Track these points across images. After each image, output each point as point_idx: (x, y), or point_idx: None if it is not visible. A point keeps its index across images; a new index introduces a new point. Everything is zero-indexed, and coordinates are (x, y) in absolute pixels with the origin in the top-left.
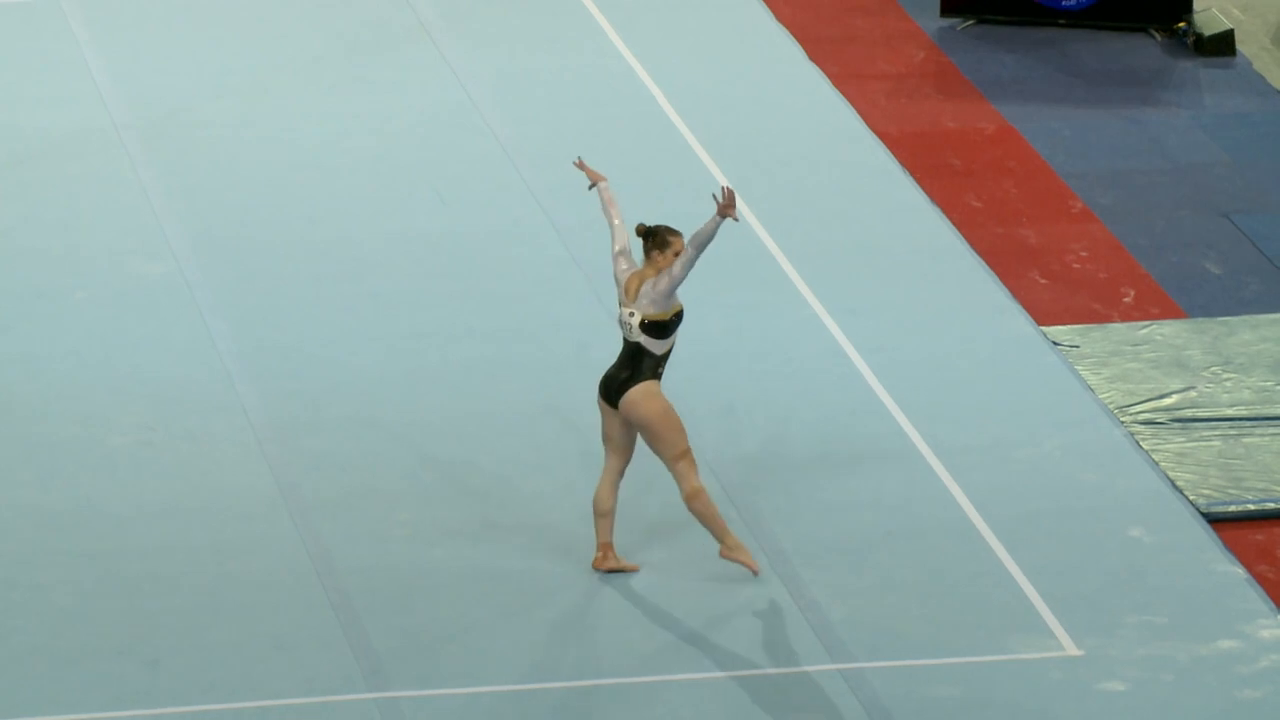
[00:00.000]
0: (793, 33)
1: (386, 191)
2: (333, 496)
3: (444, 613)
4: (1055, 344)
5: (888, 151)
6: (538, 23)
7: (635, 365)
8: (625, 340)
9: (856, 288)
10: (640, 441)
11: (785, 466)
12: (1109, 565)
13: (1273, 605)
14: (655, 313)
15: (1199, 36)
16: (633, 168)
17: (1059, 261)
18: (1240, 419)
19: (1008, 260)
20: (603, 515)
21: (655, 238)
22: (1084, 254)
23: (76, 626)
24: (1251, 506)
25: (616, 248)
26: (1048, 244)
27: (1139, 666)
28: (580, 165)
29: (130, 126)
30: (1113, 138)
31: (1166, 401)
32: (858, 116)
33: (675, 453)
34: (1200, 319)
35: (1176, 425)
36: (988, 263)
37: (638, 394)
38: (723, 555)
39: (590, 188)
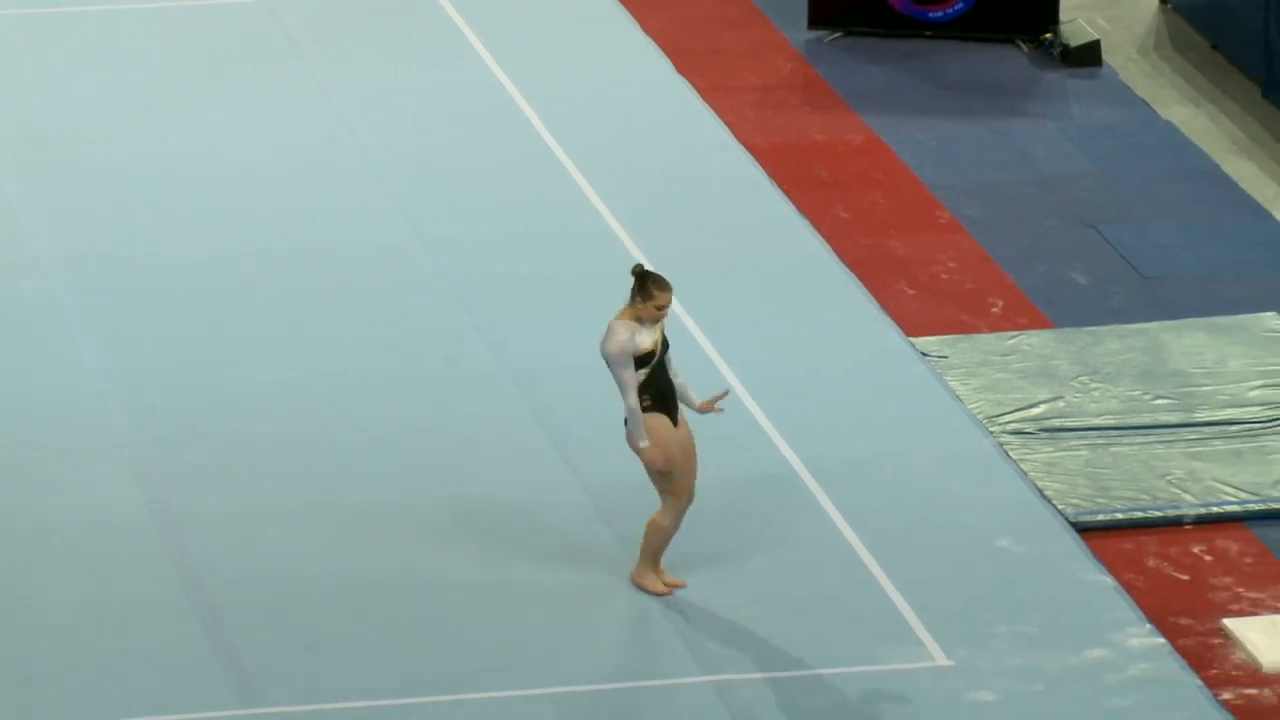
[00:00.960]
0: (660, 45)
1: (257, 207)
2: (204, 513)
3: (317, 628)
4: (924, 355)
5: (756, 163)
6: (407, 39)
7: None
8: None
9: (725, 300)
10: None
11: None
12: (978, 576)
13: (1141, 614)
14: (604, 352)
15: (1065, 47)
16: (502, 183)
17: (927, 272)
18: (1107, 428)
19: (876, 272)
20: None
21: (640, 286)
22: (952, 265)
23: None
24: (1119, 515)
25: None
26: (915, 255)
27: (1009, 676)
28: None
29: None
30: (980, 149)
31: (1034, 411)
32: (725, 128)
33: (664, 488)
34: (1067, 329)
35: (1044, 435)
36: (856, 274)
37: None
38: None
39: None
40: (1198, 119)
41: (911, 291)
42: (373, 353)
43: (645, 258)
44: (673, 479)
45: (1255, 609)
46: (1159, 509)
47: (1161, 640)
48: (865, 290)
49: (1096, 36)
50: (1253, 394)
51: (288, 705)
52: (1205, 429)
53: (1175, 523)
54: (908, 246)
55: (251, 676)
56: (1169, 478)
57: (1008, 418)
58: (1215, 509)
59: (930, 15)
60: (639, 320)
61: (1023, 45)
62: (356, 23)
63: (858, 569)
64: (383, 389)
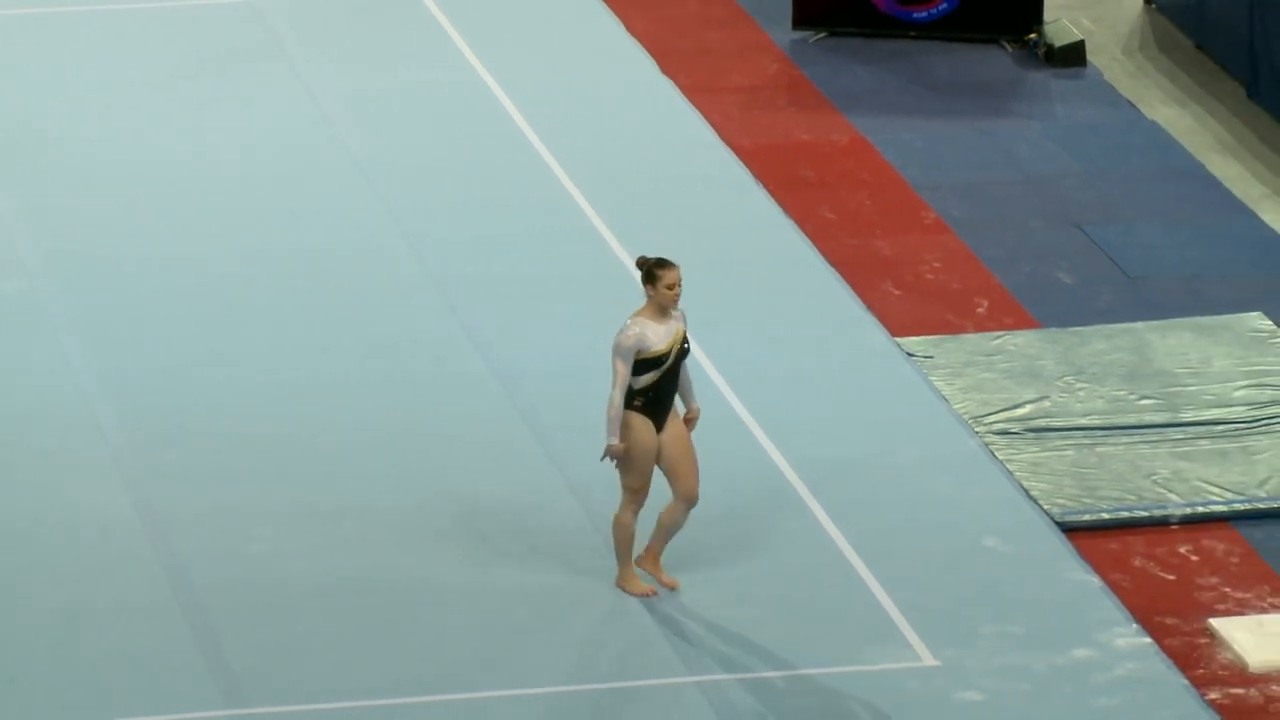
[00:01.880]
0: (646, 46)
1: (242, 208)
2: (189, 513)
3: (302, 628)
4: (909, 355)
5: (741, 164)
6: (392, 39)
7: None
8: None
9: (711, 300)
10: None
11: None
12: (965, 576)
13: (1128, 614)
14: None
15: (1050, 47)
16: (487, 182)
17: (912, 273)
18: (1093, 428)
19: (862, 272)
20: (658, 528)
21: (647, 274)
22: (937, 265)
23: None
24: (1105, 515)
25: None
26: (901, 255)
27: (995, 676)
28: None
29: None
30: (965, 149)
31: (1020, 411)
32: (711, 129)
33: (630, 485)
34: (1053, 329)
35: (1030, 435)
36: (842, 274)
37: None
38: (618, 584)
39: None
40: (1182, 119)
41: (897, 291)
42: (358, 353)
43: (629, 257)
44: (629, 475)
45: (1241, 609)
46: (1145, 509)
47: (1148, 640)
48: (851, 290)
49: (1081, 37)
50: (1238, 394)
51: (274, 705)
52: (1191, 429)
53: (1161, 523)
54: (893, 246)
55: (238, 677)
56: (1155, 477)
57: (993, 418)
58: (1201, 509)
59: (915, 15)
60: (662, 311)
61: (1007, 45)
62: (341, 24)
63: (844, 569)
64: (368, 389)
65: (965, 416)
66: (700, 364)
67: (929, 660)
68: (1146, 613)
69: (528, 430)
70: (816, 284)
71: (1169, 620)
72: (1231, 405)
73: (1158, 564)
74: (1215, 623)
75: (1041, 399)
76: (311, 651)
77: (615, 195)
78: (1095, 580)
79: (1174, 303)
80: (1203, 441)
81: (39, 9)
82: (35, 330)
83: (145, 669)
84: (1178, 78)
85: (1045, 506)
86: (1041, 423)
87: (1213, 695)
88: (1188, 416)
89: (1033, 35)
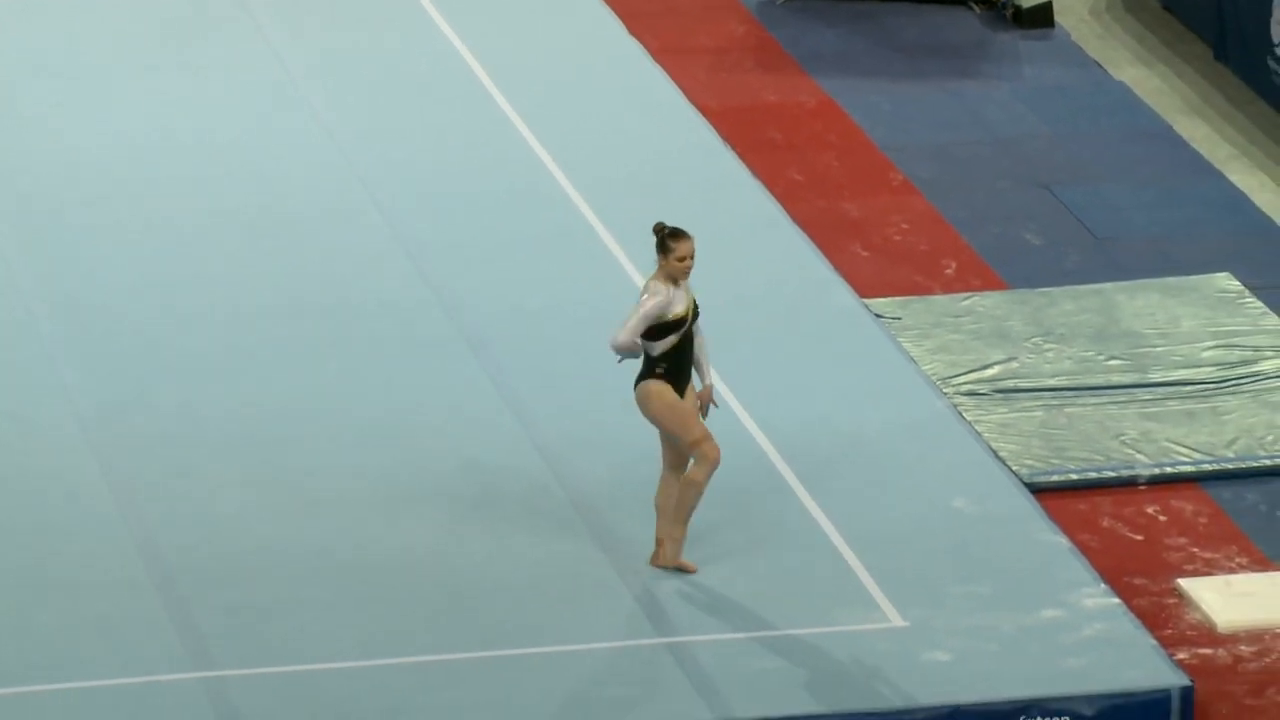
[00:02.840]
0: (612, 6)
1: (209, 173)
2: (156, 477)
3: (270, 592)
4: (877, 316)
5: (709, 125)
6: (358, 2)
7: (642, 365)
8: None
9: None
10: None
11: (609, 438)
12: (933, 537)
13: (1096, 574)
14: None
15: (1017, 9)
16: (454, 145)
17: (880, 234)
18: (1062, 389)
19: (829, 233)
20: (658, 512)
21: (660, 243)
22: (905, 226)
23: None
24: (1074, 476)
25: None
26: (869, 217)
27: (964, 637)
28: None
29: None
30: (932, 110)
31: (988, 373)
32: (678, 91)
33: (689, 442)
34: (1021, 290)
35: (999, 396)
36: (809, 236)
37: (639, 394)
38: (655, 561)
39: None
40: (1150, 80)
41: (865, 253)
42: (325, 318)
43: (598, 220)
44: (682, 435)
45: (1209, 569)
46: (1113, 469)
47: (1116, 600)
48: (819, 252)
49: None
50: (1206, 354)
51: (242, 668)
52: (1159, 389)
53: (1129, 483)
54: (861, 208)
55: (206, 640)
56: (1123, 438)
57: (962, 379)
58: (1169, 469)
59: None
60: (672, 280)
61: (975, 7)
62: None
63: (812, 531)
64: (335, 353)
65: (933, 378)
66: None
67: (897, 621)
68: (1114, 573)
69: (496, 392)
70: (784, 246)
71: (1137, 580)
72: (1199, 366)
73: (1126, 524)
74: (1183, 583)
75: (1009, 360)
76: (279, 614)
77: (583, 157)
78: (1063, 541)
79: (1142, 264)
80: (1171, 402)
81: None
82: (0, 295)
83: (113, 632)
84: (1145, 39)
85: (1013, 467)
86: (1009, 384)
87: (1181, 655)
88: (1156, 377)
89: None
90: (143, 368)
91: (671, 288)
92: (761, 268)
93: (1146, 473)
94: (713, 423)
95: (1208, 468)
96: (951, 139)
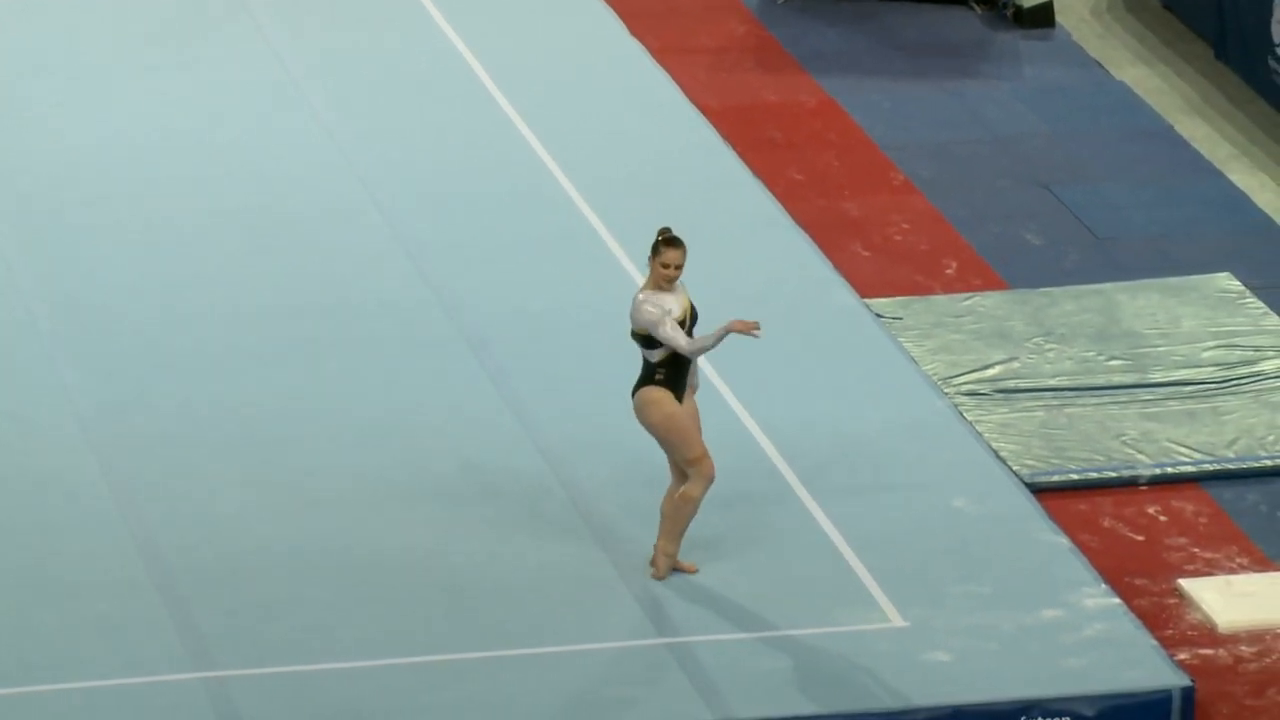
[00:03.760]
0: (613, 7)
1: (210, 172)
2: (157, 477)
3: (271, 592)
4: (878, 316)
5: (709, 125)
6: (359, 2)
7: (641, 371)
8: None
9: None
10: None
11: (610, 440)
12: (933, 536)
13: (1096, 574)
14: (635, 327)
15: (1018, 8)
16: (455, 145)
17: (881, 234)
18: (1062, 389)
19: (830, 233)
20: (661, 517)
21: (653, 246)
22: (905, 226)
23: None
24: (1074, 476)
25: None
26: (869, 216)
27: (964, 636)
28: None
29: None
30: (933, 110)
31: (989, 373)
32: (679, 90)
33: (687, 458)
34: (1022, 290)
35: (999, 396)
36: (810, 235)
37: (638, 402)
38: (653, 567)
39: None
40: (1150, 79)
41: (865, 253)
42: (325, 318)
43: (599, 220)
44: (677, 449)
45: (1210, 569)
46: (1114, 470)
47: (1116, 600)
48: (819, 251)
49: None
50: (1206, 354)
51: (242, 669)
52: (1159, 390)
53: (1130, 483)
54: (861, 208)
55: (206, 640)
56: (1123, 438)
57: (962, 379)
58: (1170, 469)
59: None
60: (659, 287)
61: (975, 6)
62: None
63: (813, 530)
64: (336, 352)
65: (934, 378)
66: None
67: (897, 621)
68: (1115, 573)
69: (496, 393)
70: (784, 245)
71: (1138, 581)
72: (1200, 366)
73: (1126, 524)
74: (1184, 583)
75: (1010, 360)
76: (280, 614)
77: (584, 157)
78: (1064, 541)
79: (1142, 263)
80: (1171, 402)
81: None
82: (0, 295)
83: (113, 632)
84: (1146, 38)
85: (1014, 467)
86: (1010, 384)
87: (1181, 655)
88: (1156, 377)
89: None
90: (143, 367)
91: (661, 293)
92: (762, 267)
93: (1147, 473)
94: (713, 423)
95: (1208, 468)
96: (952, 138)
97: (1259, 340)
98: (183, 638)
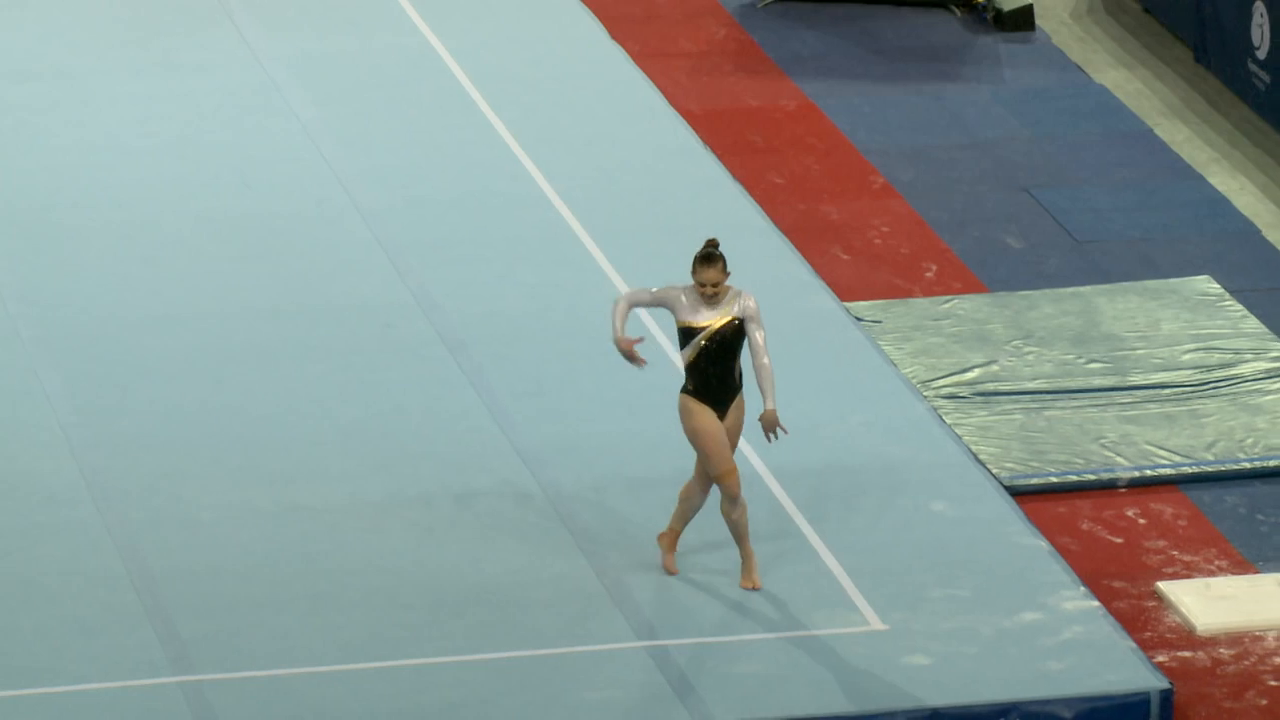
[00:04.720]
0: (594, 11)
1: (190, 174)
2: (139, 481)
3: (251, 596)
4: (858, 320)
5: (690, 129)
6: (338, 3)
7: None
8: None
9: (660, 266)
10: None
11: (590, 445)
12: (913, 539)
13: (1075, 577)
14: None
15: (998, 12)
16: (435, 147)
17: (861, 237)
18: (1042, 392)
19: (810, 237)
20: (679, 500)
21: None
22: (885, 230)
23: None
24: (1053, 479)
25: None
26: (849, 220)
27: (943, 640)
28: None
29: None
30: (913, 113)
31: (969, 376)
32: (659, 94)
33: (712, 470)
34: (1001, 293)
35: (979, 399)
36: (790, 239)
37: (678, 406)
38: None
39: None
40: (1130, 83)
41: (845, 256)
42: (307, 320)
43: (578, 222)
44: (706, 457)
45: (1189, 572)
46: (1093, 472)
47: (1095, 603)
48: (799, 255)
49: (1029, 1)
50: (1185, 357)
51: (223, 673)
52: (1139, 392)
53: (1109, 486)
54: (842, 211)
55: (187, 645)
56: (1102, 441)
57: (942, 382)
58: (1149, 472)
59: None
60: (698, 295)
61: (956, 10)
62: None
63: (792, 534)
64: (316, 354)
65: (913, 381)
66: (649, 328)
67: (877, 625)
68: (1094, 576)
69: (475, 395)
70: (765, 249)
71: (1116, 583)
72: (1179, 369)
73: (1105, 527)
74: (1163, 586)
75: (990, 363)
76: (261, 619)
77: (564, 160)
78: (1043, 544)
79: (1122, 267)
80: (1150, 405)
81: None
82: None
83: (94, 637)
84: (1126, 42)
85: (993, 470)
86: (989, 387)
87: (1160, 658)
88: (1136, 380)
89: (981, 0)
90: (124, 370)
91: (695, 299)
92: (742, 271)
93: (1126, 475)
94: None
95: (1187, 470)
96: (932, 142)
97: (1238, 343)
98: (162, 642)
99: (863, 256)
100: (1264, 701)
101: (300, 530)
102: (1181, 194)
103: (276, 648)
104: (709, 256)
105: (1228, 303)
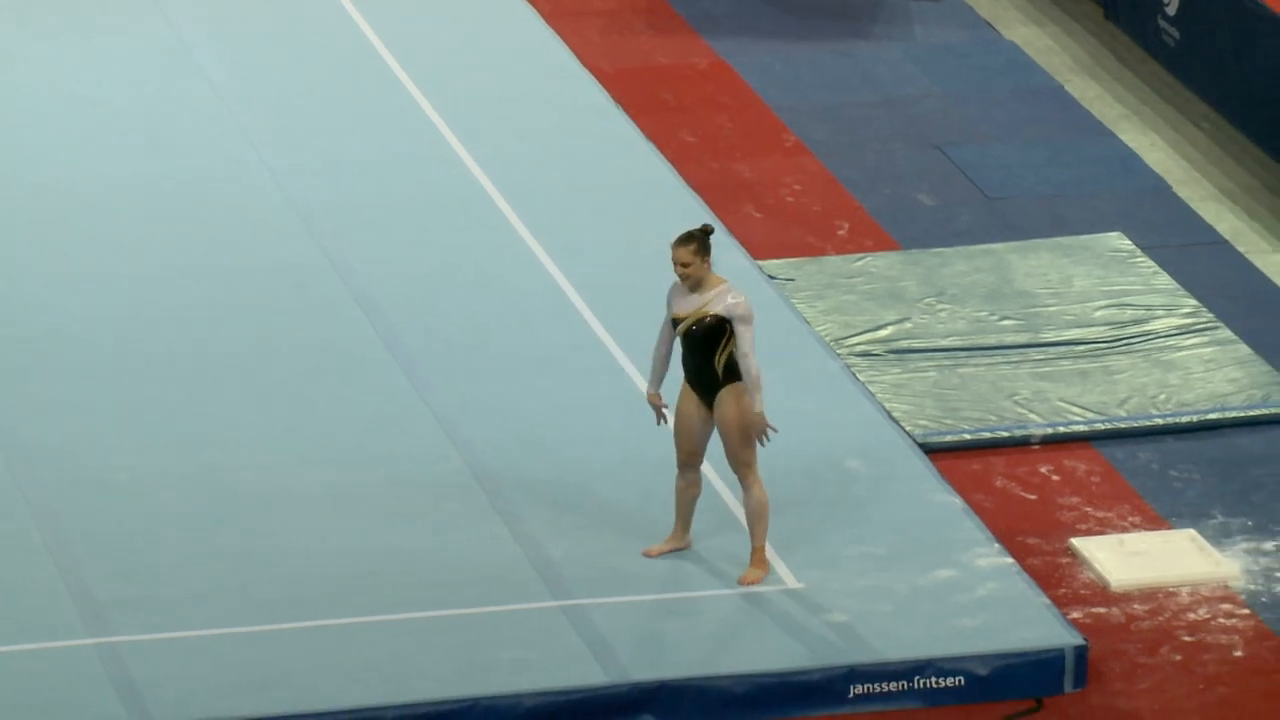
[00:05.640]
0: None
1: (102, 136)
2: (52, 443)
3: (165, 557)
4: (771, 278)
5: (601, 88)
6: None
7: None
8: None
9: (573, 225)
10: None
11: (504, 404)
12: (827, 498)
13: (989, 534)
14: None
15: None
16: (346, 108)
17: (773, 195)
18: (955, 349)
19: (722, 195)
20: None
21: None
22: (797, 187)
23: None
24: (967, 436)
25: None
26: (761, 178)
27: (858, 597)
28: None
29: None
30: (824, 71)
31: (882, 333)
32: (571, 53)
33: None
34: (914, 250)
35: (892, 357)
36: (703, 198)
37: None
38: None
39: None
40: (1040, 39)
41: (758, 215)
42: (219, 280)
43: (491, 182)
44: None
45: (1102, 528)
46: (1006, 429)
47: (1010, 560)
48: (712, 213)
49: None
50: (1098, 314)
51: (138, 634)
52: (1052, 349)
53: (1022, 443)
54: (754, 170)
55: (101, 606)
56: (1016, 398)
57: (855, 340)
58: (1062, 429)
59: None
60: (682, 283)
61: None
62: None
63: (707, 493)
64: (230, 315)
65: (827, 339)
66: (562, 289)
67: (792, 583)
68: (1008, 533)
69: (389, 355)
70: (677, 207)
71: (1030, 540)
72: (1092, 325)
73: (1019, 484)
74: (1076, 542)
75: (903, 320)
76: (175, 580)
77: (474, 119)
78: (957, 501)
79: (1034, 223)
80: (1063, 362)
81: None
82: None
83: (7, 599)
84: None
85: (907, 428)
86: (903, 344)
87: (1074, 614)
88: (1048, 337)
89: None
90: (36, 332)
91: (682, 290)
92: (654, 229)
93: (1039, 432)
94: (607, 385)
95: (1100, 427)
96: (844, 100)
97: (1150, 299)
98: (78, 604)
99: (775, 214)
100: (1178, 657)
101: (216, 491)
102: (1092, 150)
103: (193, 609)
104: (682, 236)
105: (1139, 259)
